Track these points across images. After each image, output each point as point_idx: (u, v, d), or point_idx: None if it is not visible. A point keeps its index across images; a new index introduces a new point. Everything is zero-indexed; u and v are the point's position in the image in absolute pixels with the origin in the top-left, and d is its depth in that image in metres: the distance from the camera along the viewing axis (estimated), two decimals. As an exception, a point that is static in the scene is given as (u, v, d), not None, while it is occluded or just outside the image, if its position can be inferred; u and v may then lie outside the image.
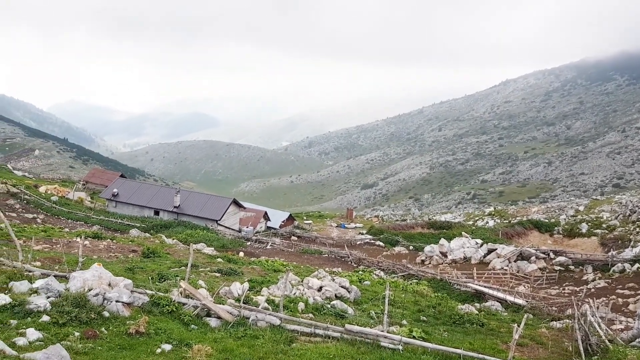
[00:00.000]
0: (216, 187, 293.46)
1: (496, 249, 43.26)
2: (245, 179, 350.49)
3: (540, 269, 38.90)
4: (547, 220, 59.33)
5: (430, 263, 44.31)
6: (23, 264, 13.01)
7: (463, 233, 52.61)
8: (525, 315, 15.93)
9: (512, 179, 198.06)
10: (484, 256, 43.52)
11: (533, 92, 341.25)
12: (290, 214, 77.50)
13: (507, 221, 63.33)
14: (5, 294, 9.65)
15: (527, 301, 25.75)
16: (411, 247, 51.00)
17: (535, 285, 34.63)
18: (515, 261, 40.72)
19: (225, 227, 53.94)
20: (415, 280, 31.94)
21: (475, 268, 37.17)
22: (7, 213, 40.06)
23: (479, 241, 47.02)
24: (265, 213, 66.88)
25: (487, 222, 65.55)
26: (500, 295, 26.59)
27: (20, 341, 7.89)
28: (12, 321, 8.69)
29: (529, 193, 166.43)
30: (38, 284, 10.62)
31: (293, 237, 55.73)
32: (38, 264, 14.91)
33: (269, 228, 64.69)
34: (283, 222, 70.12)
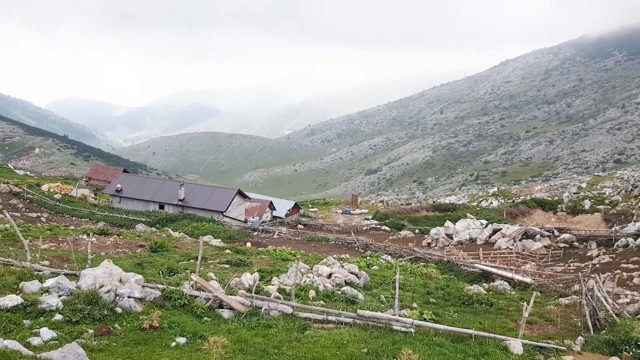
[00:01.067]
0: (220, 179, 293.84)
1: (501, 229, 43.22)
2: (248, 169, 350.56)
3: (545, 246, 38.87)
4: (550, 199, 59.21)
5: (436, 245, 44.35)
6: (32, 263, 13.00)
7: (468, 214, 52.54)
8: (534, 294, 15.90)
9: (514, 158, 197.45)
10: (490, 236, 43.53)
11: (533, 72, 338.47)
12: (296, 203, 77.56)
13: (511, 201, 63.23)
14: (16, 294, 9.63)
15: (533, 279, 25.78)
16: (417, 231, 51.00)
17: (541, 263, 34.64)
18: (520, 240, 40.68)
19: (231, 218, 54.00)
20: (422, 263, 31.98)
21: (481, 249, 37.16)
22: (11, 213, 40.17)
23: (484, 222, 46.98)
24: (271, 203, 66.91)
25: (491, 203, 65.42)
26: (508, 274, 26.61)
27: (35, 341, 7.88)
28: (25, 321, 8.67)
29: (531, 172, 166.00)
30: (49, 283, 10.60)
31: (299, 226, 55.79)
32: (47, 263, 14.91)
33: (274, 217, 64.78)
34: (289, 211, 70.18)
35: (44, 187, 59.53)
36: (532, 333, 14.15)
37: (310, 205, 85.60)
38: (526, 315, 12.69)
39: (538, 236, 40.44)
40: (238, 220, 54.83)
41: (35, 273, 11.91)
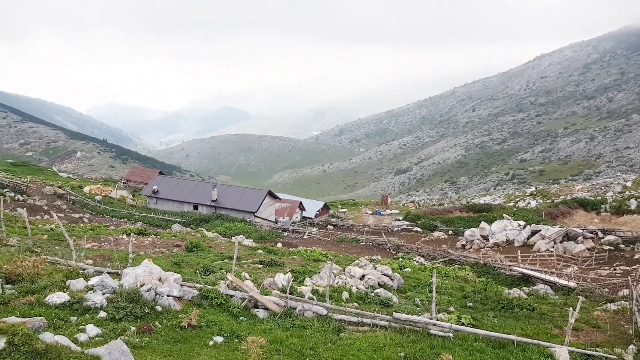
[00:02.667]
0: (250, 180, 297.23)
1: (540, 230, 41.95)
2: (277, 170, 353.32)
3: (588, 249, 37.50)
4: (592, 198, 57.16)
5: (471, 247, 43.48)
6: (77, 262, 13.49)
7: (504, 215, 51.33)
8: (580, 298, 15.37)
9: (552, 156, 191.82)
10: (528, 238, 42.32)
11: (570, 66, 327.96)
12: (325, 203, 77.73)
13: (550, 201, 61.42)
14: (63, 291, 10.01)
15: (577, 283, 24.91)
16: (450, 232, 50.21)
17: (584, 266, 33.44)
18: (561, 242, 39.37)
19: (262, 218, 54.57)
20: (457, 266, 31.43)
21: (519, 251, 36.20)
22: (55, 213, 41.77)
23: (522, 223, 45.74)
24: (300, 203, 67.28)
25: (529, 203, 63.77)
26: (550, 278, 25.76)
27: (82, 337, 8.17)
28: (72, 318, 9.01)
29: (571, 170, 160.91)
30: (93, 281, 10.97)
31: (329, 226, 55.84)
32: (90, 261, 15.43)
33: (304, 218, 65.08)
34: (318, 211, 70.39)
35: (86, 189, 61.66)
36: (578, 340, 13.69)
37: (339, 206, 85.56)
38: (572, 321, 12.23)
39: (580, 238, 39.08)
40: (269, 220, 55.35)
41: (80, 271, 12.36)
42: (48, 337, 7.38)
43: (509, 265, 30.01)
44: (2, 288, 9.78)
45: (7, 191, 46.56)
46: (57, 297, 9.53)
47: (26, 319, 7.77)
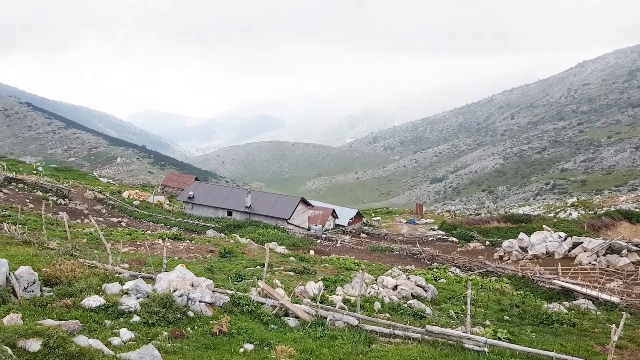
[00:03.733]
0: (283, 187, 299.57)
1: (582, 243, 40.27)
2: (311, 177, 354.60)
3: (633, 262, 35.68)
4: (638, 210, 54.57)
5: (509, 259, 42.20)
6: (113, 266, 13.82)
7: (544, 226, 49.68)
8: (624, 315, 14.58)
9: (595, 166, 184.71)
10: (569, 250, 40.70)
11: (614, 73, 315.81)
12: (358, 211, 77.29)
13: (593, 212, 59.05)
14: (99, 295, 10.24)
15: (621, 298, 23.72)
16: (487, 243, 48.95)
17: (628, 280, 31.81)
18: (604, 255, 37.63)
19: (295, 225, 54.69)
20: (494, 278, 30.54)
21: (559, 263, 34.83)
22: (95, 218, 43.17)
23: (562, 234, 44.10)
24: (333, 211, 67.11)
25: (570, 214, 61.54)
26: (592, 292, 24.63)
27: (115, 341, 8.29)
28: (107, 321, 9.18)
29: (615, 181, 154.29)
30: (128, 285, 11.18)
31: (362, 235, 55.42)
32: (126, 265, 15.79)
33: (337, 226, 64.85)
34: (351, 219, 70.04)
35: (125, 194, 63.52)
36: (622, 359, 13.00)
37: (373, 214, 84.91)
38: (615, 338, 11.60)
39: (625, 251, 37.28)
40: (301, 227, 55.42)
41: (116, 275, 12.63)
42: (82, 340, 7.52)
43: (549, 278, 28.90)
44: (41, 290, 10.08)
45: (50, 195, 48.44)
46: (93, 301, 9.74)
47: (62, 322, 7.95)
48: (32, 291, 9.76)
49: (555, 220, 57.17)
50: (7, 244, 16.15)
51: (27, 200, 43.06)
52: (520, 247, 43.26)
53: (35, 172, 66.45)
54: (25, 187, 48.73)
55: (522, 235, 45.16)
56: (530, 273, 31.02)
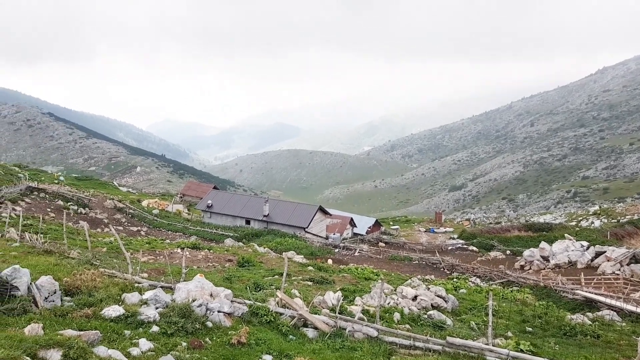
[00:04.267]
0: (301, 195, 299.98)
1: (605, 252, 39.29)
2: (329, 185, 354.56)
3: (659, 273, 34.68)
4: (663, 219, 53.15)
5: (530, 269, 41.37)
6: (133, 275, 13.90)
7: (566, 235, 48.63)
8: (652, 328, 14.12)
9: (617, 173, 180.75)
10: (592, 260, 39.72)
11: (635, 79, 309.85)
12: (377, 220, 76.79)
13: (616, 220, 57.71)
14: (119, 305, 10.27)
15: (648, 310, 22.99)
16: (508, 252, 48.13)
17: (655, 291, 30.91)
18: (627, 264, 36.59)
19: (313, 234, 54.56)
20: (515, 288, 29.95)
21: (582, 273, 33.98)
22: (115, 227, 43.74)
23: (585, 243, 43.08)
24: (351, 219, 66.80)
25: (593, 222, 60.20)
26: (616, 303, 23.95)
27: (134, 351, 8.28)
28: (126, 331, 9.19)
29: (638, 188, 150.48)
30: (147, 295, 11.20)
31: (381, 244, 55.01)
32: (145, 275, 15.88)
33: (355, 234, 64.51)
34: (369, 228, 69.61)
35: (144, 203, 64.25)
36: (649, 372, 12.54)
37: (391, 223, 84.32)
38: (642, 351, 11.27)
39: (649, 260, 36.29)
40: (319, 236, 55.25)
41: (135, 285, 12.69)
42: (102, 351, 7.53)
43: (572, 289, 28.21)
44: (62, 300, 10.16)
45: (71, 204, 49.25)
46: (113, 311, 9.77)
47: (82, 332, 7.98)
48: (53, 301, 9.85)
49: (577, 229, 56.01)
50: (29, 253, 16.40)
51: (49, 210, 43.86)
52: (541, 257, 42.41)
53: (56, 181, 67.78)
54: (47, 196, 49.66)
55: (543, 244, 44.28)
56: (553, 283, 30.36)
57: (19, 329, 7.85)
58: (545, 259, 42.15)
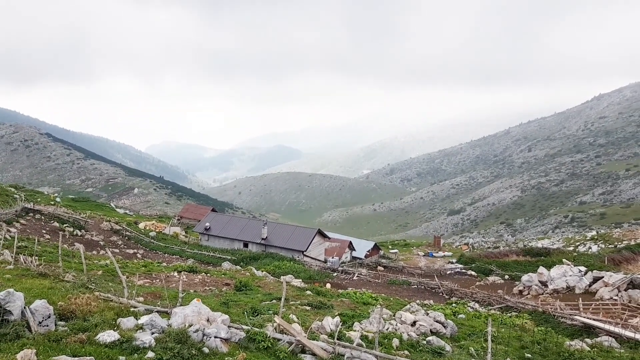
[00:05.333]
0: (300, 218, 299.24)
1: (602, 277, 39.06)
2: (327, 208, 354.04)
3: (658, 299, 34.41)
4: (661, 244, 53.09)
5: (529, 294, 41.06)
6: (129, 300, 13.73)
7: (564, 260, 48.43)
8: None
9: (614, 199, 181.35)
10: (589, 285, 39.48)
11: (631, 106, 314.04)
12: (376, 243, 76.51)
13: (613, 246, 57.73)
14: (114, 330, 10.12)
15: (647, 337, 22.73)
16: (506, 277, 47.85)
17: (653, 317, 30.60)
18: (625, 290, 36.39)
19: (311, 257, 54.24)
20: (514, 313, 29.68)
21: (580, 298, 33.73)
22: (111, 249, 43.41)
23: (583, 269, 42.89)
24: (350, 243, 66.54)
25: (590, 248, 60.14)
26: (614, 329, 23.70)
27: (129, 378, 8.14)
28: (121, 357, 9.04)
29: (634, 214, 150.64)
30: (143, 320, 11.05)
31: (379, 267, 54.64)
32: (141, 299, 15.68)
33: (354, 258, 64.14)
34: (368, 251, 69.29)
35: (141, 225, 63.95)
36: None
37: (390, 246, 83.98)
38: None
39: (648, 286, 36.05)
40: (318, 260, 54.92)
41: (131, 309, 12.52)
42: (96, 377, 7.39)
43: (570, 314, 27.97)
44: (56, 325, 10.01)
45: (67, 226, 48.93)
46: (108, 336, 9.62)
47: (76, 358, 7.86)
48: (47, 325, 9.71)
49: (575, 254, 55.93)
50: (23, 276, 16.23)
51: (44, 231, 43.58)
52: (540, 282, 42.17)
53: (52, 202, 67.56)
54: (43, 217, 49.40)
55: (541, 269, 44.09)
56: (551, 308, 30.11)
57: (12, 355, 7.72)
58: (544, 284, 41.90)
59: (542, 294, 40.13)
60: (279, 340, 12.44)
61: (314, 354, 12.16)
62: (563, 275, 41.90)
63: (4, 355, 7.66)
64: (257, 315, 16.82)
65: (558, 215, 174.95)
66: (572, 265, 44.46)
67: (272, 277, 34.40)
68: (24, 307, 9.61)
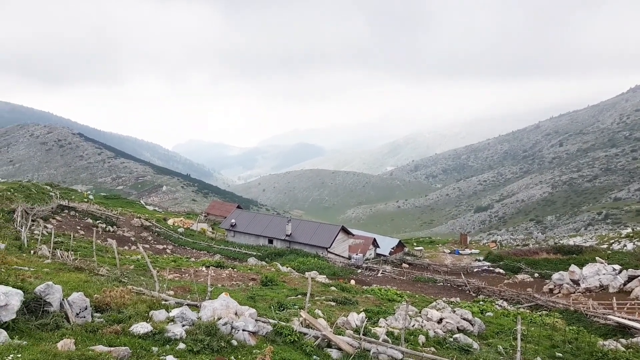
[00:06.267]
0: (323, 215, 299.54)
1: (638, 276, 37.97)
2: (351, 205, 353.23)
3: (697, 298, 33.24)
4: (701, 242, 51.11)
5: (559, 292, 40.20)
6: (160, 293, 14.11)
7: (597, 258, 47.19)
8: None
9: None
10: (624, 284, 38.38)
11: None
12: (400, 241, 76.03)
13: (650, 244, 55.79)
14: (146, 322, 10.44)
15: (686, 337, 22.01)
16: (536, 275, 46.95)
17: (691, 317, 29.56)
18: (663, 289, 35.30)
19: (335, 254, 54.35)
20: (544, 312, 29.12)
21: (614, 297, 32.86)
22: (142, 244, 44.47)
23: (617, 267, 41.69)
24: (374, 240, 66.31)
25: (625, 245, 58.27)
26: (652, 330, 23.05)
27: (162, 368, 8.41)
28: (153, 348, 9.32)
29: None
30: (174, 312, 11.36)
31: (404, 265, 54.36)
32: (171, 293, 16.09)
33: (378, 255, 63.94)
34: (392, 248, 68.92)
35: (170, 222, 65.24)
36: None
37: (415, 244, 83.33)
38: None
39: (685, 285, 34.87)
40: (342, 256, 54.98)
41: (162, 302, 12.87)
42: (131, 366, 7.68)
43: (604, 314, 27.27)
44: (92, 316, 10.40)
45: (100, 222, 50.44)
46: (141, 327, 9.94)
47: (112, 348, 8.15)
48: (84, 317, 10.09)
49: (609, 252, 54.27)
50: (60, 269, 16.84)
51: (78, 227, 44.96)
52: (571, 280, 41.22)
53: (86, 200, 69.53)
54: (77, 214, 50.98)
55: (573, 267, 43.07)
56: (583, 307, 29.44)
57: (53, 343, 8.07)
58: (575, 282, 40.94)
59: (574, 292, 39.24)
60: (305, 334, 12.60)
61: (339, 349, 12.27)
62: (596, 273, 40.85)
63: (45, 344, 8.02)
64: (283, 309, 17.04)
65: (591, 212, 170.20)
66: (606, 264, 43.29)
67: (296, 273, 34.68)
68: (62, 299, 10.01)
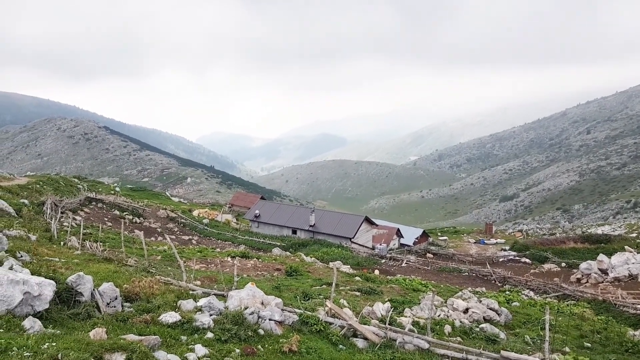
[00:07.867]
0: (346, 205, 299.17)
1: (671, 266, 36.88)
2: (374, 195, 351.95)
3: None
4: None
5: (587, 282, 39.32)
6: (187, 283, 14.37)
7: (626, 247, 46.03)
8: None
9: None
10: (656, 274, 37.34)
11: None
12: (424, 231, 75.48)
13: (683, 232, 54.02)
14: (175, 311, 10.64)
15: None
16: (563, 264, 46.05)
17: None
18: (698, 279, 34.24)
19: (359, 244, 54.31)
20: (572, 302, 28.61)
21: (645, 287, 32.06)
22: (168, 235, 45.25)
23: (648, 256, 40.60)
24: (398, 230, 65.97)
25: (657, 234, 56.58)
26: (686, 320, 22.44)
27: (191, 357, 8.55)
28: (182, 337, 9.50)
29: None
30: (201, 302, 11.55)
31: (428, 255, 53.97)
32: (198, 283, 16.35)
33: (402, 245, 63.62)
34: (417, 238, 68.48)
35: (195, 213, 66.18)
36: None
37: (439, 234, 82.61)
38: None
39: None
40: (365, 247, 54.92)
41: (190, 292, 13.11)
42: (162, 355, 7.83)
43: (633, 303, 26.65)
44: (122, 306, 10.65)
45: (127, 214, 51.46)
46: (170, 317, 10.14)
47: (143, 337, 8.33)
48: (115, 306, 10.34)
49: (639, 240, 52.82)
50: (90, 260, 17.28)
51: (106, 219, 45.99)
52: (599, 269, 40.29)
53: (113, 192, 71.01)
54: (104, 206, 52.12)
55: (601, 256, 42.07)
56: (612, 297, 28.82)
57: (85, 332, 8.29)
58: (604, 272, 40.00)
59: (602, 282, 38.35)
60: (330, 324, 12.66)
61: (365, 338, 12.30)
62: (625, 262, 39.84)
63: (78, 333, 8.25)
64: (309, 299, 17.15)
65: (620, 200, 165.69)
66: (635, 253, 42.19)
67: (321, 263, 34.81)
68: (93, 289, 10.28)
